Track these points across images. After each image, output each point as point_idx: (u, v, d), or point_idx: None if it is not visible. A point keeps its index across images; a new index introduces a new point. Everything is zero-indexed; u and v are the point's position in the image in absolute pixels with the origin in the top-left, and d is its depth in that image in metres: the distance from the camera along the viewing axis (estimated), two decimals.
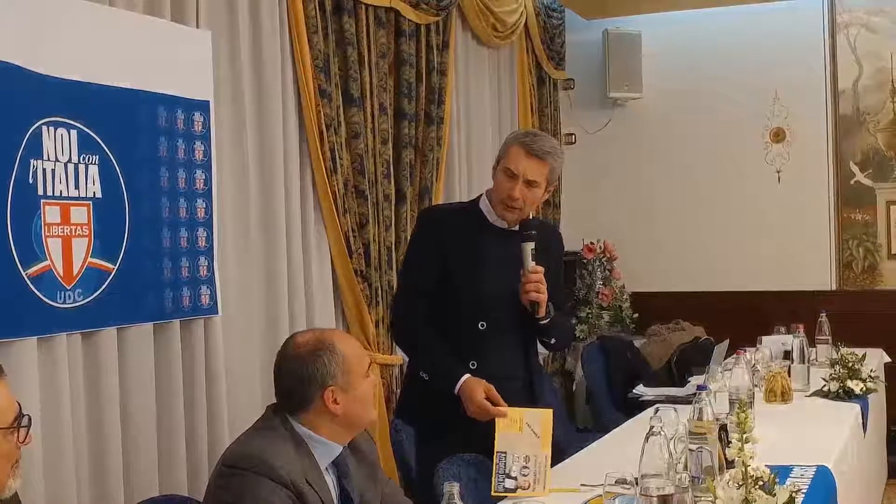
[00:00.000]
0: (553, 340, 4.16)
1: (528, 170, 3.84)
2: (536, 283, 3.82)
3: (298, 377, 2.65)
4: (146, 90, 4.12)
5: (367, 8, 5.62)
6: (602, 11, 8.70)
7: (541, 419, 3.53)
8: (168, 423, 4.20)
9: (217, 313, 4.49)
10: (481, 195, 4.07)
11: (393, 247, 5.79)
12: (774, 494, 2.63)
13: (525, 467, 3.45)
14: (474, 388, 3.71)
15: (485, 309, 3.90)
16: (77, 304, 3.75)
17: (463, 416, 3.75)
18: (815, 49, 8.39)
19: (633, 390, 6.21)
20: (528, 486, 3.41)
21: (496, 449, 3.46)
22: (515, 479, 3.44)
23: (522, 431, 3.52)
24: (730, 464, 2.98)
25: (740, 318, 7.58)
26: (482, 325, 3.89)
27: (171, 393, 4.23)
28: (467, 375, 3.77)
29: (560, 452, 3.88)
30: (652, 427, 2.73)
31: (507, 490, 3.40)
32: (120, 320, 3.97)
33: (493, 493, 3.39)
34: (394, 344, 5.73)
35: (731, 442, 2.79)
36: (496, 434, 3.49)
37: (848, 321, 7.06)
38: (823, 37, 8.39)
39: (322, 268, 5.31)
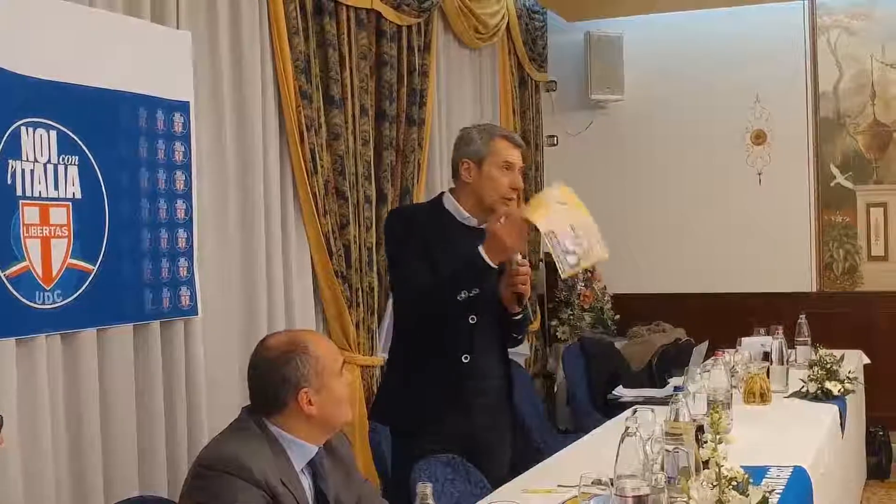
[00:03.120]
0: (520, 336, 4.19)
1: (518, 159, 3.90)
2: (525, 275, 3.82)
3: (271, 379, 2.65)
4: (126, 91, 4.12)
5: (347, 9, 5.61)
6: (584, 13, 8.72)
7: (559, 192, 3.62)
8: (148, 424, 4.20)
9: (197, 314, 4.49)
10: (442, 195, 4.01)
11: (374, 248, 5.79)
12: (748, 495, 2.64)
13: (577, 237, 3.52)
14: (495, 233, 3.64)
15: (473, 304, 3.84)
16: (56, 304, 3.75)
17: (437, 417, 3.76)
18: (796, 52, 8.43)
19: (613, 391, 6.22)
20: (590, 252, 3.54)
21: (543, 233, 3.52)
22: (574, 252, 3.51)
23: (552, 209, 3.58)
24: (706, 464, 2.99)
25: (721, 319, 7.61)
26: (472, 320, 3.85)
27: (150, 394, 4.22)
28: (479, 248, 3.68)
29: (538, 453, 3.89)
30: (627, 428, 2.74)
31: (572, 266, 3.50)
32: (99, 321, 3.97)
33: (562, 277, 3.53)
34: (374, 345, 5.74)
35: (705, 443, 2.80)
36: (535, 221, 3.53)
37: (828, 322, 7.13)
38: (804, 39, 8.44)
39: (302, 269, 5.31)
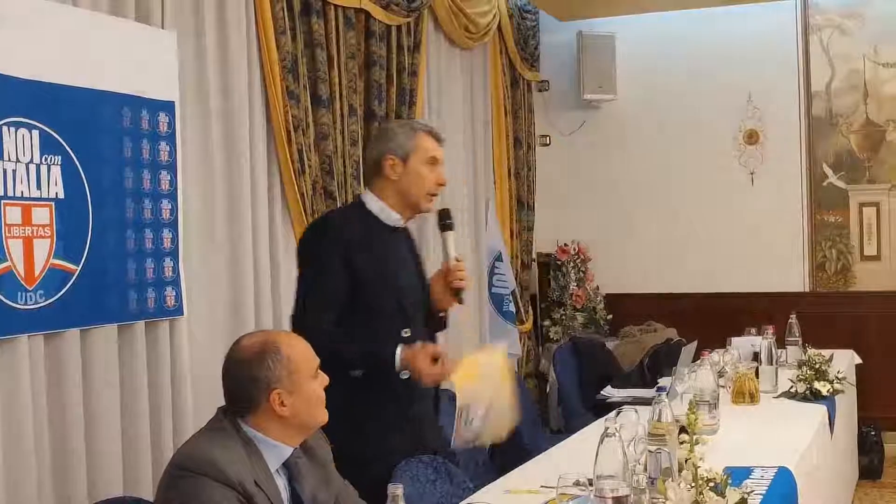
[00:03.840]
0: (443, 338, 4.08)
1: (442, 154, 3.76)
2: (463, 270, 3.75)
3: (244, 380, 2.64)
4: (110, 90, 4.11)
5: (336, 8, 5.61)
6: (576, 13, 8.71)
7: (495, 358, 3.58)
8: (132, 425, 4.19)
9: (182, 314, 4.48)
10: (361, 197, 3.81)
11: None
12: (725, 496, 2.63)
13: (486, 417, 3.48)
14: (416, 357, 3.52)
15: (407, 316, 3.69)
16: (39, 305, 3.74)
17: (383, 436, 3.61)
18: (789, 51, 8.43)
19: (602, 391, 6.21)
20: (491, 432, 3.50)
21: (458, 402, 3.46)
22: (475, 430, 3.49)
23: (480, 381, 3.55)
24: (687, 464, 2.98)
25: (713, 319, 7.63)
26: (406, 333, 3.64)
27: (135, 394, 4.21)
28: (400, 348, 3.55)
29: (526, 454, 3.87)
30: (606, 429, 2.73)
31: (465, 441, 3.48)
32: (83, 322, 3.96)
33: (451, 445, 3.40)
34: None
35: (682, 443, 2.79)
36: (457, 387, 3.49)
37: (821, 322, 7.13)
38: (797, 39, 8.44)
39: (289, 269, 5.28)
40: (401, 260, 3.76)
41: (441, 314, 3.86)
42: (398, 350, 3.53)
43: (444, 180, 3.78)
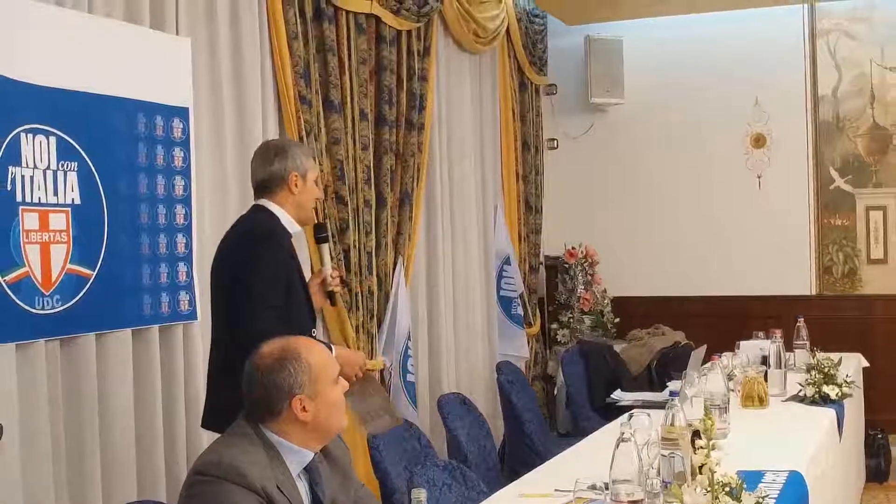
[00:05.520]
0: None
1: None
2: (339, 276, 4.20)
3: (266, 387, 2.67)
4: (125, 97, 4.15)
5: (347, 14, 5.64)
6: (584, 17, 8.74)
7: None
8: (147, 429, 4.22)
9: (196, 319, 4.51)
10: (263, 211, 3.94)
11: (373, 252, 5.81)
12: (741, 501, 2.66)
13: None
14: (350, 363, 3.88)
15: (314, 317, 4.06)
16: (56, 310, 3.78)
17: None
18: (796, 55, 8.44)
19: (612, 395, 6.23)
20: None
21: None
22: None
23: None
24: (701, 469, 3.00)
25: (721, 323, 7.65)
26: (314, 332, 3.96)
27: (149, 399, 4.24)
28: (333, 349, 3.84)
29: (536, 457, 3.91)
30: (622, 433, 2.76)
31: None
32: (99, 326, 3.99)
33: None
34: (374, 348, 5.76)
35: (697, 448, 2.81)
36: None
37: (828, 326, 7.16)
38: (804, 43, 8.45)
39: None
40: (300, 266, 4.05)
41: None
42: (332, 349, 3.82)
43: (322, 196, 4.28)
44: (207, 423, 3.89)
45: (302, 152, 4.00)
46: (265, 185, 3.93)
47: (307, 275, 4.33)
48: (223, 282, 3.81)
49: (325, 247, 4.22)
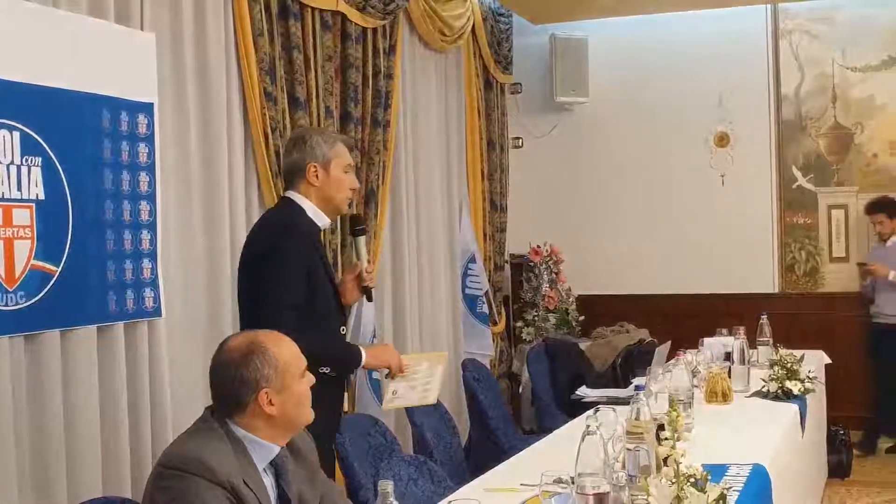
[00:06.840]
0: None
1: (352, 161, 4.03)
2: (373, 273, 4.15)
3: (232, 380, 2.66)
4: (90, 92, 4.12)
5: (313, 11, 5.63)
6: (549, 16, 8.77)
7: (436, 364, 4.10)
8: (112, 425, 4.19)
9: (160, 316, 4.49)
10: (290, 203, 3.90)
11: (338, 249, 5.80)
12: (706, 492, 2.68)
13: (411, 389, 4.06)
14: (386, 356, 3.99)
15: (343, 315, 4.01)
16: (19, 306, 3.74)
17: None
18: (759, 55, 8.53)
19: (576, 392, 6.25)
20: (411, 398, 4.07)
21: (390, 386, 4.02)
22: (398, 396, 4.04)
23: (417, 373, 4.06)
24: (666, 462, 3.02)
25: (685, 320, 7.69)
26: (343, 331, 3.96)
27: (114, 395, 4.22)
28: (363, 348, 3.96)
29: (502, 453, 3.92)
30: (588, 427, 2.77)
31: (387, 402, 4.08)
32: (63, 323, 3.96)
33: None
34: None
35: (662, 441, 2.83)
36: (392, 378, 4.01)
37: (791, 323, 7.24)
38: (767, 43, 8.54)
39: None
40: (328, 261, 4.01)
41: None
42: (363, 350, 3.91)
43: (357, 185, 4.04)
44: None
45: (324, 140, 3.88)
46: (288, 176, 3.93)
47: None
48: (245, 286, 3.83)
49: (362, 240, 4.12)
